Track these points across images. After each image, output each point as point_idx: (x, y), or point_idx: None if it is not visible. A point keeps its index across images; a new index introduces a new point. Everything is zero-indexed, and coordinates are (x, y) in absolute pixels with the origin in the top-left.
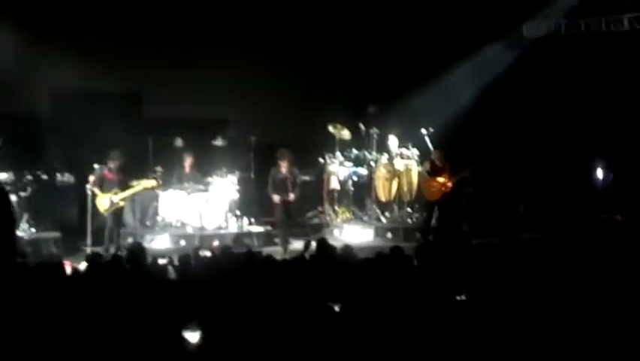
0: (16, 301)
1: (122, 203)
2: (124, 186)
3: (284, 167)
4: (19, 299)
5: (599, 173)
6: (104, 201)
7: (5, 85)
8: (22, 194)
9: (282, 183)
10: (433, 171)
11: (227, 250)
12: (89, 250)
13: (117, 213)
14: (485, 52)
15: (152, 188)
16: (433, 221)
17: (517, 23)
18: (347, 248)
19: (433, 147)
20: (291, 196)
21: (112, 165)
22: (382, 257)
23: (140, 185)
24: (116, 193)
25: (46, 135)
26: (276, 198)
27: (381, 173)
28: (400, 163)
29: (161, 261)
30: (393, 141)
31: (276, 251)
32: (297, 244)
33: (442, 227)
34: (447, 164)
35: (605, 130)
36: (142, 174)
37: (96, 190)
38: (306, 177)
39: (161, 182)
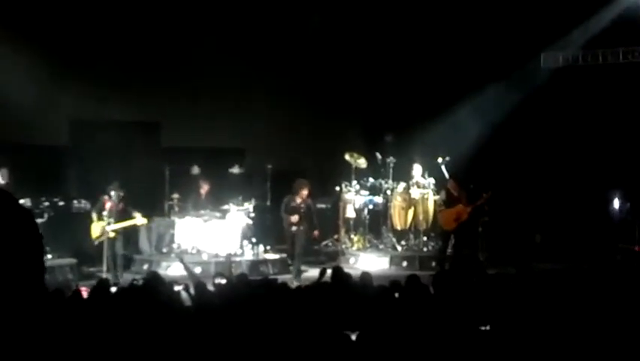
0: (37, 326)
1: (112, 234)
2: (121, 218)
3: (300, 197)
4: (40, 325)
5: (616, 203)
6: (96, 229)
7: (27, 115)
8: (39, 220)
9: (294, 212)
10: (449, 201)
11: (242, 277)
12: (104, 276)
13: (111, 242)
14: (503, 82)
15: (142, 225)
16: (449, 250)
17: (536, 54)
18: (366, 275)
19: (449, 176)
20: (316, 233)
21: (113, 194)
22: (398, 285)
23: (131, 221)
24: (109, 223)
25: (64, 163)
26: (294, 218)
27: (397, 201)
28: (416, 192)
29: (177, 288)
30: (417, 169)
31: (291, 279)
32: (312, 272)
33: (458, 256)
34: (463, 193)
35: (623, 160)
36: (156, 202)
37: (93, 216)
38: (322, 205)
39: (147, 219)
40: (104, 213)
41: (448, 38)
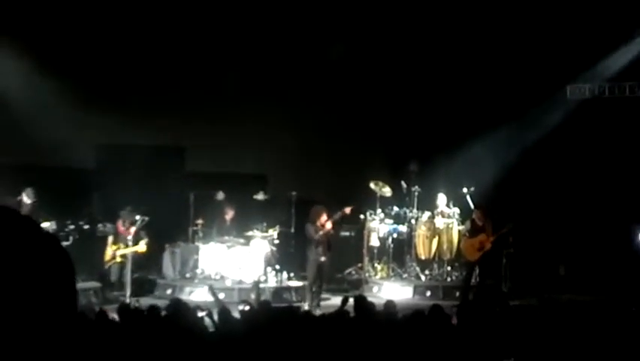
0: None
1: (119, 259)
2: (133, 243)
3: (321, 226)
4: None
5: None
6: (108, 253)
7: (54, 138)
8: (65, 243)
9: (319, 245)
10: (474, 231)
11: (266, 304)
12: (127, 300)
13: (119, 266)
14: (529, 113)
15: (142, 253)
16: (473, 280)
17: (562, 85)
18: (390, 303)
19: (474, 206)
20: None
21: (125, 219)
22: (422, 315)
23: (133, 248)
24: (119, 248)
25: (90, 187)
26: (320, 252)
27: (421, 231)
28: (441, 221)
29: (200, 313)
30: (442, 198)
31: (315, 306)
32: (335, 300)
33: (482, 287)
34: (488, 223)
35: None
36: (180, 228)
37: (109, 240)
38: (346, 233)
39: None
40: (121, 238)
41: (475, 67)
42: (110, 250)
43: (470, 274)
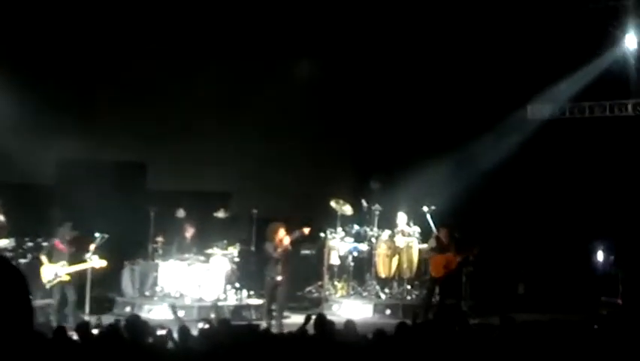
0: None
1: (66, 277)
2: (74, 260)
3: (278, 243)
4: None
5: (600, 255)
6: (48, 272)
7: (13, 153)
8: (22, 261)
9: (276, 264)
10: (439, 248)
11: (225, 322)
12: (86, 318)
13: (63, 286)
14: (489, 133)
15: (101, 269)
16: (434, 299)
17: (523, 105)
18: (350, 323)
19: (441, 225)
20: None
21: (65, 236)
22: (382, 334)
23: (86, 265)
24: (63, 266)
25: (49, 203)
26: (277, 272)
27: (381, 249)
28: (401, 240)
29: (160, 332)
30: (402, 217)
31: (274, 324)
32: (295, 318)
33: (442, 305)
34: (452, 243)
35: (607, 213)
36: (140, 245)
37: (43, 259)
38: (307, 251)
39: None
40: (61, 255)
41: (435, 89)
42: (49, 270)
43: (432, 291)
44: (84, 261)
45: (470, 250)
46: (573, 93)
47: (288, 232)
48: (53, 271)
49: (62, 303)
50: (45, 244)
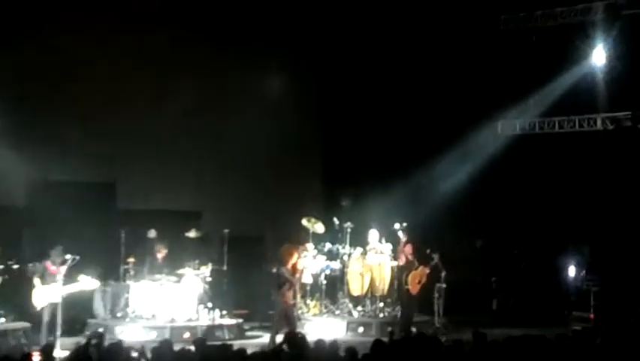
0: None
1: (58, 299)
2: (65, 282)
3: (291, 267)
4: None
5: (572, 271)
6: (40, 294)
7: None
8: None
9: (290, 288)
10: (407, 265)
11: (200, 342)
12: (58, 341)
13: (53, 307)
14: (460, 149)
15: (92, 288)
16: (409, 316)
17: (493, 120)
18: (320, 343)
19: (406, 241)
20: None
21: (55, 258)
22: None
23: (78, 285)
24: (53, 288)
25: (20, 224)
26: (289, 296)
27: (354, 267)
28: (373, 257)
29: (134, 354)
30: (373, 234)
31: (248, 344)
32: (267, 337)
33: (415, 322)
34: (417, 257)
35: (579, 228)
36: (111, 266)
37: (35, 282)
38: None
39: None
40: (52, 277)
41: (405, 105)
42: (42, 292)
43: (411, 307)
44: (75, 282)
45: (432, 259)
46: (543, 108)
47: (299, 255)
48: (46, 294)
49: (52, 325)
50: (16, 267)
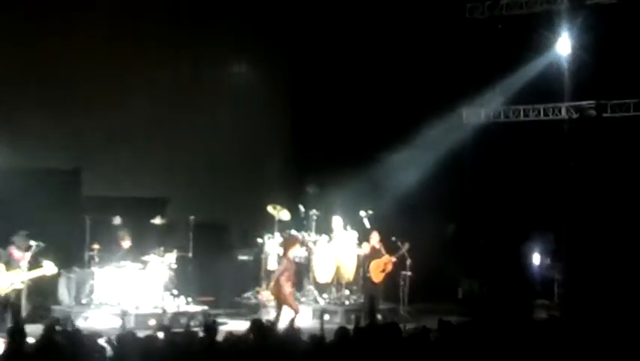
0: None
1: (21, 285)
2: (29, 268)
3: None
4: None
5: (536, 258)
6: (4, 280)
7: None
8: None
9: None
10: (373, 253)
11: (165, 329)
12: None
13: (17, 293)
14: (425, 136)
15: (52, 276)
16: (374, 303)
17: (458, 108)
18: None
19: (371, 229)
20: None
21: (19, 244)
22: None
23: (40, 271)
24: (17, 274)
25: None
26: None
27: (319, 254)
28: (339, 245)
29: (99, 340)
30: (337, 221)
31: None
32: (233, 325)
33: (380, 310)
34: (384, 245)
35: (544, 215)
36: (76, 252)
37: (1, 267)
38: (245, 257)
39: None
40: (16, 263)
41: (372, 92)
42: (4, 278)
43: (375, 296)
44: (39, 267)
45: (400, 248)
46: (508, 97)
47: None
48: (9, 280)
49: (16, 311)
50: (0, 251)
